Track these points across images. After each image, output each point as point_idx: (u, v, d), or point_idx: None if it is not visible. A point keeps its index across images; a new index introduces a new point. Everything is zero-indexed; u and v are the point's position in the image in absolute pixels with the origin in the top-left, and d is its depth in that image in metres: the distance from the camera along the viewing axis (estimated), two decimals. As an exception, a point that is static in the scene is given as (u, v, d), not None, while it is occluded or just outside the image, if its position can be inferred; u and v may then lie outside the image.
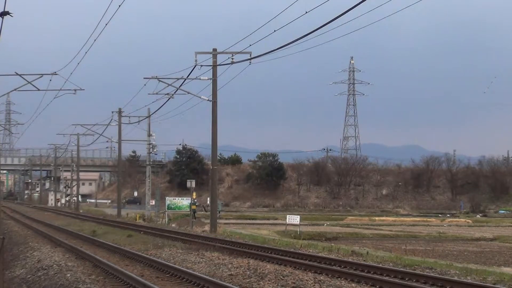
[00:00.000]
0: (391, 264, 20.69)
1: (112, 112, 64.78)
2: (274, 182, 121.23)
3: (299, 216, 54.46)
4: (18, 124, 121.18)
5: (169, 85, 41.78)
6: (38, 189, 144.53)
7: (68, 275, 18.19)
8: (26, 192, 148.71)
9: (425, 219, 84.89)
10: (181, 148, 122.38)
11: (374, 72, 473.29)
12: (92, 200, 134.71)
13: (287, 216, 55.61)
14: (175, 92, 43.00)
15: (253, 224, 65.54)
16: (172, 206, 58.41)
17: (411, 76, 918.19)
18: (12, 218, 59.60)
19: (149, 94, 45.23)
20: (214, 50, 38.63)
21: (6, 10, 18.32)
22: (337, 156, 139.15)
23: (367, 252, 27.31)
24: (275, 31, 26.55)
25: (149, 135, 63.70)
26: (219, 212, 52.32)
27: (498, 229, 68.35)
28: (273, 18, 26.07)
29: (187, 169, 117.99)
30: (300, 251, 24.41)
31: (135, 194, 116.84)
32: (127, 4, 24.41)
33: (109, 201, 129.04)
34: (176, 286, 16.65)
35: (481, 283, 16.16)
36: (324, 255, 22.98)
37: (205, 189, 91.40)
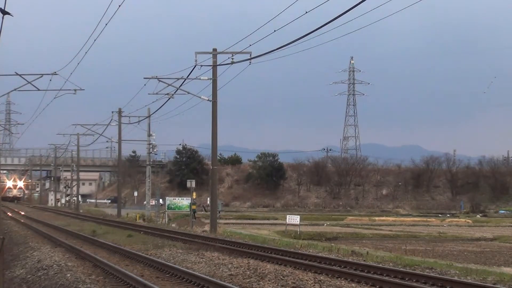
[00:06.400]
0: (391, 264, 20.69)
1: (112, 112, 64.83)
2: (274, 182, 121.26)
3: (299, 216, 54.42)
4: (18, 124, 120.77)
5: (169, 85, 41.81)
6: (38, 189, 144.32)
7: (68, 275, 18.19)
8: (26, 192, 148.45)
9: (425, 219, 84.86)
10: (181, 148, 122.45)
11: (374, 72, 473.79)
12: (92, 200, 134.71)
13: (287, 216, 55.58)
14: (175, 92, 43.02)
15: (253, 224, 65.51)
16: (172, 206, 58.43)
17: (411, 76, 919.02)
18: (12, 218, 59.55)
19: (149, 94, 45.31)
20: (214, 50, 38.64)
21: (6, 10, 18.30)
22: (337, 156, 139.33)
23: (367, 252, 27.31)
24: (275, 31, 26.57)
25: (149, 135, 63.70)
26: (219, 212, 52.31)
27: (498, 229, 68.32)
28: (273, 18, 26.10)
29: (187, 169, 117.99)
30: (300, 251, 24.41)
31: (135, 194, 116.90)
32: (127, 4, 24.44)
33: (109, 201, 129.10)
34: (176, 286, 16.65)
35: (481, 283, 16.17)
36: (324, 255, 22.98)
37: (205, 189, 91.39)
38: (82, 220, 55.97)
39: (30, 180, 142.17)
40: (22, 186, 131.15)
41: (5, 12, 17.20)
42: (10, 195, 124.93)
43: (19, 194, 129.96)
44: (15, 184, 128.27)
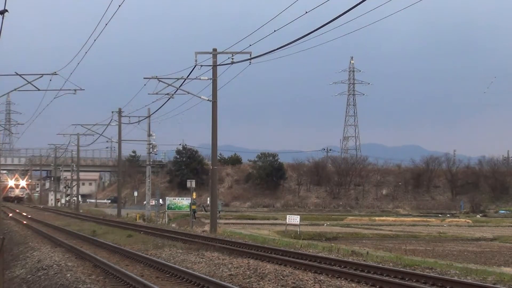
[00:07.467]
0: (391, 264, 20.69)
1: (112, 112, 64.86)
2: (274, 182, 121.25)
3: (299, 216, 54.45)
4: (18, 124, 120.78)
5: (169, 85, 41.81)
6: (38, 189, 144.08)
7: (68, 275, 18.19)
8: (26, 192, 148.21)
9: (425, 219, 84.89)
10: (181, 148, 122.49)
11: (374, 73, 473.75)
12: (92, 200, 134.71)
13: (287, 216, 55.60)
14: (175, 92, 43.04)
15: (253, 224, 65.52)
16: (172, 206, 58.41)
17: (411, 76, 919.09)
18: (12, 218, 59.50)
19: (149, 94, 45.26)
20: (214, 50, 38.63)
21: (5, 9, 18.30)
22: (337, 156, 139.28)
23: (367, 252, 27.31)
24: (275, 31, 26.56)
25: (149, 135, 63.69)
26: (219, 212, 52.32)
27: (498, 229, 68.34)
28: (273, 18, 26.09)
29: (187, 169, 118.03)
30: (300, 251, 24.41)
31: (135, 194, 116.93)
32: (127, 4, 24.45)
33: (109, 201, 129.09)
34: (176, 286, 16.65)
35: (481, 283, 16.16)
36: (324, 255, 22.97)
37: (205, 189, 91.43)
38: (82, 220, 55.95)
39: (30, 180, 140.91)
40: (25, 186, 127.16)
41: (3, 11, 17.22)
42: (12, 195, 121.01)
43: (22, 194, 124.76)
44: (17, 184, 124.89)
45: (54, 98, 46.18)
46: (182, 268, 18.37)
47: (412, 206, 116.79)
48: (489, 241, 52.50)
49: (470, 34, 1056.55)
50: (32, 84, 38.32)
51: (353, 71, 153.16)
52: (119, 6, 24.43)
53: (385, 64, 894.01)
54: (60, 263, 21.16)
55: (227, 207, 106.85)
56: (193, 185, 50.94)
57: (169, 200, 60.41)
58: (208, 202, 52.59)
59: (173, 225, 52.68)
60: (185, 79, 39.77)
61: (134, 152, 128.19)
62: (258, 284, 16.00)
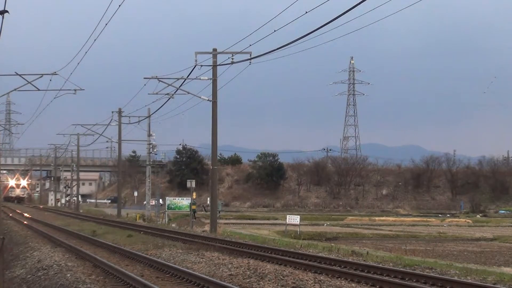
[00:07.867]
0: (391, 264, 20.68)
1: (112, 112, 64.91)
2: (274, 182, 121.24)
3: (299, 216, 54.44)
4: (18, 124, 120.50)
5: (169, 85, 41.83)
6: (38, 189, 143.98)
7: (68, 275, 18.19)
8: (27, 192, 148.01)
9: (425, 219, 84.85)
10: (181, 148, 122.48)
11: (374, 72, 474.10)
12: (92, 200, 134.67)
13: (287, 216, 55.58)
14: (175, 92, 43.07)
15: (253, 224, 65.50)
16: (172, 206, 58.41)
17: (411, 76, 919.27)
18: (12, 218, 59.50)
19: (149, 94, 45.34)
20: (214, 50, 38.64)
21: (5, 9, 18.32)
22: (337, 156, 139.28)
23: (367, 252, 27.31)
24: (275, 31, 26.60)
25: (149, 135, 63.71)
26: (219, 212, 52.30)
27: (498, 229, 68.33)
28: (273, 18, 26.12)
29: (187, 169, 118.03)
30: (300, 251, 24.41)
31: (135, 194, 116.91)
32: (127, 4, 24.46)
33: (109, 201, 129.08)
34: (176, 286, 16.65)
35: (481, 283, 16.16)
36: (324, 255, 22.98)
37: (205, 189, 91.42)
38: (82, 220, 55.95)
39: (30, 180, 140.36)
40: (26, 186, 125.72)
41: (3, 11, 17.22)
42: (13, 195, 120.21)
43: (23, 194, 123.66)
44: (18, 184, 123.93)
45: (54, 98, 46.29)
46: (182, 268, 18.37)
47: (412, 206, 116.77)
48: (489, 241, 52.49)
49: (470, 34, 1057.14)
50: (32, 84, 38.36)
51: (353, 71, 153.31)
52: (119, 6, 24.47)
53: (385, 64, 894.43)
54: (60, 263, 21.16)
55: (227, 207, 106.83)
56: (193, 185, 50.92)
57: (169, 200, 60.40)
58: (208, 202, 52.59)
59: (173, 225, 52.65)
60: (185, 79, 39.83)
61: (134, 152, 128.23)
62: (258, 284, 16.01)
